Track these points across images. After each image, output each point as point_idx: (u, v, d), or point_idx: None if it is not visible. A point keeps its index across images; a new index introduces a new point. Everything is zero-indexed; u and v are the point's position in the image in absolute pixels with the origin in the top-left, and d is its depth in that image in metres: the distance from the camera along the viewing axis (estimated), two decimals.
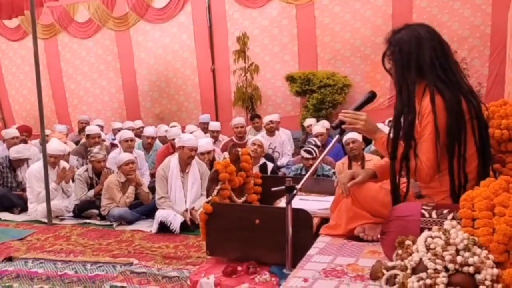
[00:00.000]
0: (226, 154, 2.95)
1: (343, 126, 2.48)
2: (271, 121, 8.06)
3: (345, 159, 5.70)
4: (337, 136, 2.53)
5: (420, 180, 2.34)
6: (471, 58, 8.78)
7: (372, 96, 2.58)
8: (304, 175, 5.40)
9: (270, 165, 6.27)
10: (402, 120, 2.35)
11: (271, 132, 8.00)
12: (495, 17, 8.48)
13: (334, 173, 5.58)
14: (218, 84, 10.58)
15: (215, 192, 2.73)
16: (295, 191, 2.42)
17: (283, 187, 2.46)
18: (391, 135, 2.37)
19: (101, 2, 10.94)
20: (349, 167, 5.53)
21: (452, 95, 2.26)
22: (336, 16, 9.57)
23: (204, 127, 8.74)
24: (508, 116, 2.83)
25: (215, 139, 8.15)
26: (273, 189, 2.49)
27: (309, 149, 5.44)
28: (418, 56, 2.32)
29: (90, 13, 11.09)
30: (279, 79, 10.01)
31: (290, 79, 9.56)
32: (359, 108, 2.54)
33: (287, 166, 7.13)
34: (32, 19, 6.04)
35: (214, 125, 8.49)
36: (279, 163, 7.52)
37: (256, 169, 5.96)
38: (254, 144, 5.99)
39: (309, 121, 8.43)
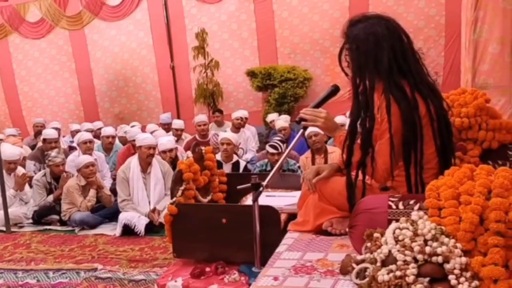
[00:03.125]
0: (189, 153, 2.89)
1: (303, 123, 2.45)
2: (240, 117, 7.99)
3: (308, 153, 5.70)
4: (301, 130, 2.50)
5: (376, 181, 2.32)
6: (427, 48, 8.95)
7: (334, 90, 2.54)
8: (270, 170, 5.38)
9: (242, 163, 6.23)
10: (358, 125, 2.28)
11: (237, 128, 7.92)
12: (449, 7, 8.68)
13: (299, 167, 5.58)
14: (178, 82, 10.48)
15: (179, 193, 2.67)
16: (261, 188, 2.37)
17: (249, 184, 2.41)
18: (347, 142, 2.30)
19: (53, 1, 10.66)
20: (313, 160, 5.54)
21: (408, 103, 2.17)
22: (294, 9, 9.61)
23: (165, 128, 8.59)
24: (467, 104, 2.87)
25: (178, 137, 8.03)
26: (238, 187, 2.44)
27: (275, 144, 5.41)
28: (376, 57, 2.21)
29: (42, 12, 10.77)
30: (240, 74, 9.99)
31: (251, 74, 9.54)
32: (321, 102, 2.51)
33: (251, 162, 7.09)
34: None
35: (178, 123, 8.33)
36: (243, 158, 7.48)
37: (229, 167, 5.95)
38: (222, 143, 5.92)
39: (272, 116, 8.42)
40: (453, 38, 8.64)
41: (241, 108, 9.12)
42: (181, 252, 2.73)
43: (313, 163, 5.50)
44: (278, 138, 5.67)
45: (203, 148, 3.08)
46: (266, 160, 5.61)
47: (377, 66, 2.21)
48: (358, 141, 2.32)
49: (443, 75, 8.94)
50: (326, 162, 5.46)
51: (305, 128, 2.51)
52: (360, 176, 2.31)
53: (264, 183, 2.38)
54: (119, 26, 10.59)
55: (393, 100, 2.18)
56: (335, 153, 5.44)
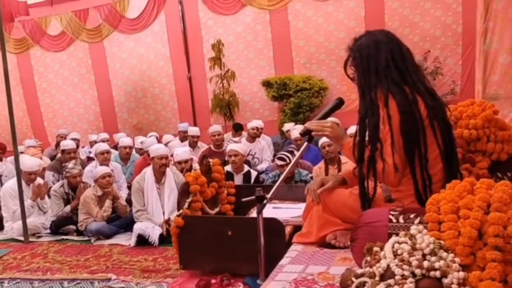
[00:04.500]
0: (196, 165, 2.92)
1: (312, 134, 2.49)
2: (256, 127, 8.01)
3: (322, 163, 5.69)
4: (305, 143, 2.52)
5: (389, 184, 2.35)
6: (444, 57, 8.91)
7: (339, 103, 2.59)
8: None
9: (254, 173, 6.24)
10: (367, 123, 2.37)
11: (253, 138, 7.96)
12: (465, 16, 8.61)
13: (312, 178, 5.57)
14: (195, 92, 10.58)
15: (186, 205, 2.70)
16: (265, 201, 2.39)
17: (253, 197, 2.43)
18: (357, 138, 2.38)
19: (73, 15, 10.85)
20: (326, 170, 5.52)
21: (405, 96, 2.27)
22: (310, 20, 9.64)
23: (184, 136, 8.68)
24: (475, 115, 2.86)
25: (195, 144, 8.10)
26: (243, 199, 2.47)
27: (282, 156, 5.41)
28: (376, 59, 2.36)
29: (63, 25, 10.99)
30: (255, 84, 10.04)
31: (267, 84, 9.58)
32: (326, 115, 2.56)
33: (265, 172, 7.11)
34: (0, 35, 5.91)
35: (193, 130, 8.35)
36: (258, 168, 7.50)
37: (240, 178, 5.98)
38: (230, 155, 5.95)
39: (288, 125, 8.43)
40: (470, 46, 8.55)
41: (257, 118, 9.17)
42: (187, 264, 2.77)
43: (326, 174, 5.49)
44: (290, 149, 5.68)
45: (210, 160, 3.11)
46: (278, 171, 5.62)
47: (377, 67, 2.36)
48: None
49: (461, 84, 8.86)
50: (339, 172, 5.44)
51: (309, 140, 2.54)
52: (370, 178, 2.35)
53: (268, 195, 2.40)
54: (137, 38, 10.76)
55: (390, 94, 2.29)
56: (348, 163, 5.41)
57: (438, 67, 8.79)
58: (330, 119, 7.23)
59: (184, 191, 2.75)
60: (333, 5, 9.47)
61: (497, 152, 2.82)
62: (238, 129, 8.68)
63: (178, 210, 2.71)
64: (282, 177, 2.45)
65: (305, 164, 6.05)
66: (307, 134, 2.50)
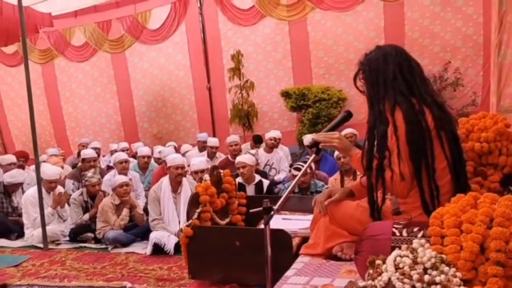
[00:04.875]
0: (206, 176, 2.95)
1: (320, 145, 2.51)
2: (274, 137, 8.03)
3: (337, 175, 5.69)
4: (313, 156, 2.53)
5: (397, 194, 2.35)
6: (465, 68, 8.81)
7: (347, 115, 2.63)
8: (297, 192, 5.42)
9: (266, 182, 6.25)
10: (375, 133, 2.40)
11: (271, 148, 7.98)
12: (486, 26, 8.48)
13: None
14: (215, 102, 10.66)
15: (195, 215, 2.73)
16: (272, 212, 2.41)
17: (261, 208, 2.45)
18: (366, 147, 2.41)
19: (96, 26, 11.06)
20: (341, 182, 5.52)
21: (411, 107, 2.30)
22: (329, 31, 9.64)
23: (203, 145, 8.75)
24: (487, 128, 2.84)
25: (213, 155, 8.16)
26: (251, 210, 2.49)
27: (298, 166, 5.43)
28: (384, 72, 2.41)
29: (86, 36, 11.22)
30: (274, 95, 10.07)
31: (285, 94, 9.59)
32: (334, 127, 2.58)
33: (283, 182, 7.12)
34: (24, 46, 6.07)
35: (213, 141, 8.42)
36: (276, 178, 7.51)
37: (252, 188, 6.00)
38: (238, 168, 5.97)
39: (307, 136, 8.40)
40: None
41: (276, 128, 9.17)
42: (196, 273, 2.80)
43: (342, 185, 5.48)
44: (306, 159, 5.68)
45: (221, 171, 3.14)
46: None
47: (385, 79, 2.41)
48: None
49: (482, 95, 8.72)
50: None
51: (317, 152, 2.55)
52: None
53: (276, 207, 2.41)
54: (158, 49, 10.91)
55: (397, 104, 2.34)
56: None
57: (459, 78, 8.69)
58: (349, 130, 7.26)
59: (193, 201, 2.78)
60: (352, 16, 9.46)
61: (509, 166, 2.80)
62: (257, 141, 8.70)
63: (188, 220, 2.74)
64: (289, 188, 2.46)
65: (321, 175, 6.05)
66: (315, 146, 2.52)
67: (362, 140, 2.55)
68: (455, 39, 8.87)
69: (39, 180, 5.92)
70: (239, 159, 6.16)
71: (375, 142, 2.38)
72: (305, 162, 5.50)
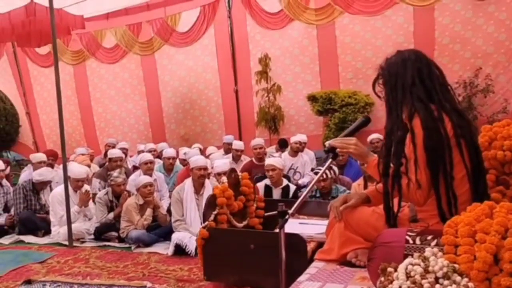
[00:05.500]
0: (224, 178, 2.97)
1: (337, 151, 2.50)
2: (299, 141, 8.00)
3: (361, 180, 5.63)
4: (330, 160, 2.52)
5: (414, 201, 2.33)
6: (496, 74, 8.63)
7: (365, 121, 2.62)
8: (319, 197, 5.39)
9: (293, 187, 6.23)
10: (392, 138, 2.38)
11: (295, 152, 7.96)
12: None
13: None
14: (241, 105, 10.69)
15: (212, 217, 2.75)
16: (287, 216, 2.40)
17: (275, 212, 2.45)
18: (383, 153, 2.40)
19: (127, 28, 11.25)
20: (365, 187, 5.45)
21: (429, 113, 2.27)
22: (357, 35, 9.57)
23: (228, 148, 8.79)
24: (510, 136, 2.78)
25: (238, 158, 8.18)
26: (266, 214, 2.49)
27: (318, 170, 5.41)
28: (403, 76, 2.39)
29: (117, 39, 11.41)
30: (301, 98, 10.05)
31: (312, 98, 9.57)
32: (351, 133, 2.56)
33: (306, 186, 7.10)
34: (54, 48, 6.23)
35: (238, 144, 8.43)
36: (300, 182, 7.49)
37: (279, 192, 5.99)
38: (267, 170, 5.98)
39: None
40: None
41: (302, 132, 9.15)
42: (211, 275, 2.81)
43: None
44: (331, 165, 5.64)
45: (239, 174, 3.16)
46: (315, 186, 5.60)
47: (404, 84, 2.39)
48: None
49: None
50: None
51: (334, 157, 2.54)
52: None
53: (291, 211, 2.41)
54: (187, 51, 11.01)
55: (415, 110, 2.31)
56: None
57: (490, 84, 8.52)
58: (376, 135, 7.17)
59: (210, 204, 2.80)
60: (381, 20, 9.36)
61: None
62: (283, 145, 8.69)
63: (204, 221, 2.76)
64: (305, 193, 2.46)
65: (345, 180, 6.01)
66: (331, 151, 2.51)
67: None
68: (487, 45, 8.69)
69: (66, 179, 6.04)
70: (268, 161, 6.18)
71: (392, 148, 2.35)
72: (328, 167, 5.50)
